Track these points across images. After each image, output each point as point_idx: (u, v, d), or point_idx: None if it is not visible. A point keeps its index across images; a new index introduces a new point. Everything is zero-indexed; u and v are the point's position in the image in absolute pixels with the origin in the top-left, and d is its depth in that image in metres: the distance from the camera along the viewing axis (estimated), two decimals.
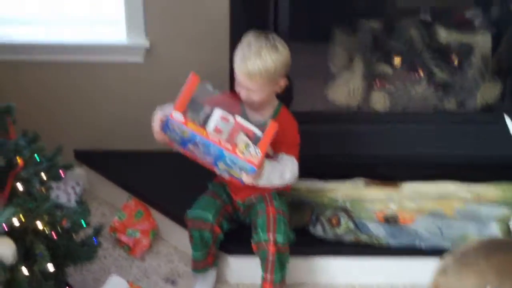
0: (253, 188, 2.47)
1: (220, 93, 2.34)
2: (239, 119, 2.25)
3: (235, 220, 2.63)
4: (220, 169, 2.28)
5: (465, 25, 3.08)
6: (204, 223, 2.46)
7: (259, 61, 2.27)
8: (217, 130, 2.20)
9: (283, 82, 2.38)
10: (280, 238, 2.39)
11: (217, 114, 2.23)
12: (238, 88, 2.36)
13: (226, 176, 2.31)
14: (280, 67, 2.32)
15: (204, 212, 2.47)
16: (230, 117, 2.24)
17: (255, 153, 2.17)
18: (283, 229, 2.41)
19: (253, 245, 2.46)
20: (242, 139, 2.20)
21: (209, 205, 2.50)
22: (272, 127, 2.24)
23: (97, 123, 3.08)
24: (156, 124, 2.25)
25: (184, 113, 2.17)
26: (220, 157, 2.20)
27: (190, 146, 2.22)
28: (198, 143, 2.19)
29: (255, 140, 2.21)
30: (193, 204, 2.52)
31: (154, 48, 2.88)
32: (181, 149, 2.28)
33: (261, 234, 2.41)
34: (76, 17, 2.98)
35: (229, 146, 2.17)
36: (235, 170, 2.24)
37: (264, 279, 2.45)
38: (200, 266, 2.58)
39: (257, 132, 2.23)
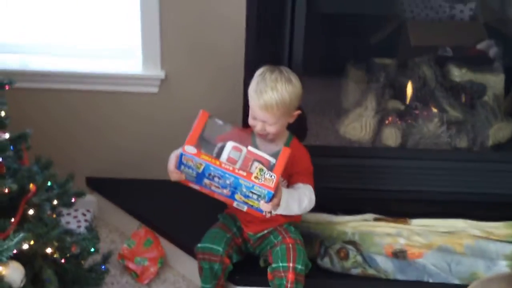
0: (266, 222, 2.51)
1: (231, 128, 2.37)
2: (251, 148, 2.28)
3: (244, 251, 2.64)
4: (238, 202, 2.29)
5: (478, 62, 3.09)
6: (214, 255, 2.47)
7: (275, 94, 2.31)
8: (231, 160, 2.22)
9: (296, 113, 2.42)
10: (299, 266, 2.40)
11: (230, 145, 2.27)
12: (252, 122, 2.39)
13: (244, 208, 2.31)
14: (294, 99, 2.37)
15: (213, 244, 2.48)
16: (243, 148, 2.27)
17: (269, 177, 2.19)
18: (302, 258, 2.43)
19: (269, 274, 2.47)
20: (255, 166, 2.22)
21: (219, 237, 2.51)
22: (285, 152, 2.26)
23: (110, 151, 3.11)
24: (171, 164, 2.29)
25: (196, 146, 2.20)
26: (236, 186, 2.21)
27: (206, 181, 2.25)
28: (213, 175, 2.21)
29: (269, 167, 2.23)
30: (203, 236, 2.53)
31: (169, 79, 2.92)
32: (198, 187, 2.30)
33: (280, 263, 2.42)
34: (94, 47, 3.04)
35: (243, 173, 2.19)
36: (252, 200, 2.24)
37: None
38: None
39: (270, 159, 2.25)
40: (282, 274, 2.41)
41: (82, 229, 2.39)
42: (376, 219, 2.87)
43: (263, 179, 2.18)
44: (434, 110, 3.07)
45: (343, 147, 3.08)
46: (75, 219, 3.08)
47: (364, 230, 2.79)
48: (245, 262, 2.64)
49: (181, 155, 2.20)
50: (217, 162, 2.19)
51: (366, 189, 2.98)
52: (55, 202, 2.16)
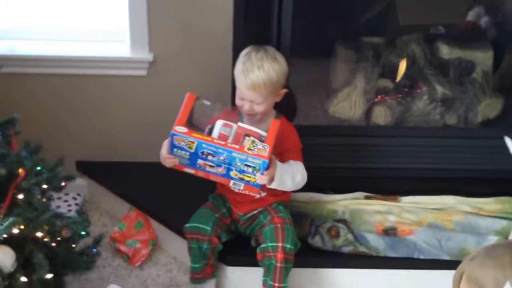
0: (255, 202, 2.53)
1: (220, 107, 2.38)
2: (241, 124, 2.30)
3: (234, 231, 2.65)
4: (235, 180, 2.28)
5: (467, 39, 3.09)
6: (202, 235, 2.49)
7: (262, 72, 2.31)
8: (222, 136, 2.24)
9: (282, 92, 2.42)
10: (288, 246, 2.42)
11: (219, 123, 2.28)
12: (240, 102, 2.39)
13: (241, 186, 2.30)
14: (281, 77, 2.37)
15: (201, 224, 2.50)
16: (233, 124, 2.28)
17: (263, 147, 2.20)
18: (291, 237, 2.44)
19: (259, 254, 2.48)
20: (247, 139, 2.23)
21: (207, 217, 2.52)
22: (275, 124, 2.29)
23: (99, 135, 3.11)
24: (163, 150, 2.29)
25: (186, 126, 2.21)
26: (230, 162, 2.21)
27: (200, 162, 2.24)
28: (206, 153, 2.21)
29: (260, 139, 2.24)
30: (191, 216, 2.55)
31: (158, 62, 2.92)
32: (192, 171, 2.30)
33: (269, 243, 2.43)
34: (81, 31, 3.03)
35: (236, 146, 2.19)
36: (248, 174, 2.24)
37: None
38: (198, 277, 2.60)
39: (261, 132, 2.27)
40: (272, 254, 2.42)
41: (73, 213, 2.40)
42: (366, 197, 2.89)
43: (256, 150, 2.19)
44: (423, 87, 3.07)
45: (333, 126, 3.08)
46: (65, 203, 3.09)
47: (355, 209, 2.81)
48: (236, 242, 2.65)
49: (172, 135, 2.19)
50: (209, 139, 2.20)
51: (356, 168, 2.98)
52: (44, 186, 2.17)
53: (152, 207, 2.92)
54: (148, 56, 2.90)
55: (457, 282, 2.14)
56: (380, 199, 2.88)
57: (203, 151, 2.21)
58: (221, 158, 2.21)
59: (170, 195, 2.91)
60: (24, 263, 2.05)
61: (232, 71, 2.44)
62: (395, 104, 3.05)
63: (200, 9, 2.82)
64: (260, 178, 2.24)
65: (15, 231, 1.97)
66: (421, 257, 2.66)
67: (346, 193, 2.89)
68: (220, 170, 2.26)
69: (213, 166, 2.25)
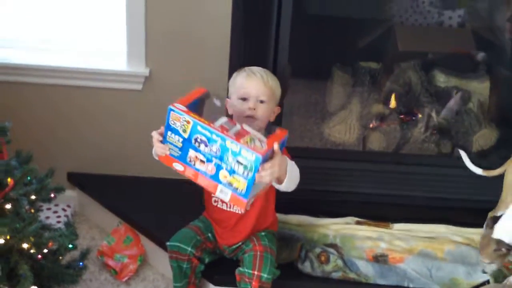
0: (239, 233, 2.51)
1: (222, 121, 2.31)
2: (246, 126, 2.20)
3: (218, 254, 2.63)
4: (222, 185, 2.13)
5: (464, 68, 3.10)
6: (181, 254, 2.47)
7: (267, 73, 2.39)
8: (222, 127, 2.12)
9: (277, 109, 2.43)
10: (264, 275, 2.39)
11: (224, 118, 2.21)
12: (242, 105, 2.34)
13: (227, 195, 2.14)
14: (279, 90, 2.41)
15: (182, 243, 2.48)
16: (238, 124, 2.20)
17: (260, 146, 2.07)
18: (268, 267, 2.41)
19: (237, 275, 2.46)
20: (247, 137, 2.12)
21: (188, 237, 2.50)
22: (283, 132, 2.18)
23: (92, 147, 3.10)
24: (156, 136, 2.19)
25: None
26: (222, 155, 2.09)
27: (191, 154, 2.14)
28: (199, 141, 2.11)
29: (261, 144, 2.12)
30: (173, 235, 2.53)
31: (154, 77, 2.92)
32: (181, 166, 2.18)
33: (246, 269, 2.41)
34: (79, 43, 3.03)
35: (232, 136, 2.08)
36: (238, 176, 2.09)
37: None
38: None
39: (263, 138, 2.14)
40: (247, 280, 2.40)
41: (62, 225, 2.37)
42: (358, 223, 2.88)
43: (252, 146, 2.06)
44: (419, 115, 3.07)
45: (327, 149, 3.08)
46: (55, 214, 3.07)
47: (346, 233, 2.79)
48: (223, 262, 2.63)
49: (170, 110, 2.12)
50: (206, 122, 2.09)
51: (349, 192, 2.98)
52: (33, 197, 2.15)
53: (142, 222, 2.89)
54: (144, 70, 2.90)
55: None
56: (371, 225, 2.87)
57: (197, 137, 2.11)
58: (213, 149, 2.10)
59: (161, 211, 2.89)
60: (9, 274, 2.03)
61: (227, 89, 2.44)
62: (390, 130, 3.05)
63: (197, 25, 2.83)
64: (260, 176, 2.05)
65: (1, 241, 1.94)
66: (411, 285, 2.64)
67: (337, 217, 2.88)
68: (210, 168, 2.13)
69: (203, 162, 2.14)
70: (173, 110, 2.12)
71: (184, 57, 2.88)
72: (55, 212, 3.08)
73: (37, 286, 2.09)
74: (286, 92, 2.61)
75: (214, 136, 2.08)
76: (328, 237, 2.78)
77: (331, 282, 2.67)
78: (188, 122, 2.11)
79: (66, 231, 2.24)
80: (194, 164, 2.15)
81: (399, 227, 2.86)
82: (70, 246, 2.25)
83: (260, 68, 2.41)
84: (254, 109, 2.34)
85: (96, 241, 3.01)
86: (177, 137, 2.15)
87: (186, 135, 2.13)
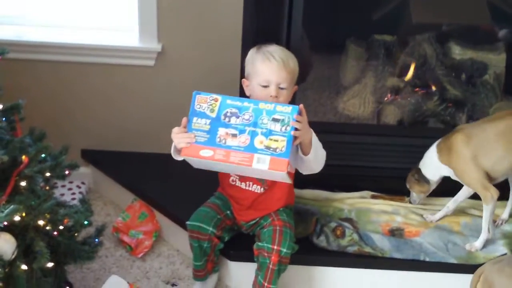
0: (258, 210, 2.51)
1: None
2: None
3: (236, 230, 2.63)
4: (259, 153, 2.10)
5: (480, 40, 3.06)
6: (202, 234, 2.46)
7: (286, 52, 2.33)
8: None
9: (295, 88, 2.39)
10: (284, 250, 2.39)
11: None
12: (263, 91, 2.30)
13: (266, 163, 2.10)
14: (297, 68, 2.36)
15: (203, 223, 2.46)
16: None
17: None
18: (288, 242, 2.41)
19: (255, 250, 2.46)
20: None
21: (208, 217, 2.49)
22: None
23: (106, 124, 3.10)
24: (177, 130, 2.17)
25: None
26: (256, 121, 2.10)
27: (221, 132, 2.12)
28: (230, 114, 2.12)
29: None
30: (193, 214, 2.52)
31: (166, 52, 2.91)
32: (210, 151, 2.13)
33: (265, 243, 2.41)
34: (90, 19, 3.03)
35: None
36: (276, 137, 2.10)
37: (261, 286, 2.45)
38: (201, 275, 2.58)
39: None
40: (266, 254, 2.40)
41: (76, 202, 2.37)
42: (373, 197, 2.88)
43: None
44: (434, 88, 3.04)
45: (342, 123, 3.06)
46: (69, 191, 3.08)
47: (361, 207, 2.79)
48: (239, 238, 2.63)
49: (195, 94, 2.15)
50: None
51: (364, 166, 2.97)
52: (47, 174, 2.15)
53: (156, 198, 2.90)
54: (156, 46, 2.88)
55: (475, 281, 2.20)
56: (387, 199, 2.86)
57: (226, 112, 2.12)
58: (246, 117, 2.12)
59: (175, 187, 2.89)
60: (25, 251, 2.03)
61: (242, 63, 2.42)
62: (405, 104, 3.02)
63: (210, 0, 2.80)
64: (295, 123, 2.09)
65: (17, 218, 1.95)
66: (427, 259, 2.63)
67: (353, 191, 2.87)
68: (243, 139, 2.12)
69: (235, 136, 2.12)
70: (198, 93, 2.15)
71: (196, 32, 2.86)
72: (70, 189, 3.09)
73: (53, 263, 2.10)
74: (307, 68, 2.58)
75: (245, 104, 2.13)
76: (343, 211, 2.78)
77: (347, 256, 2.66)
78: (216, 100, 2.14)
79: (81, 208, 2.25)
80: (225, 143, 2.13)
81: None
82: (86, 222, 2.25)
83: (277, 47, 2.34)
84: (276, 96, 2.30)
85: (111, 217, 3.03)
86: (203, 120, 2.15)
87: (214, 114, 2.14)
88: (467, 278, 2.32)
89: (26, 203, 1.99)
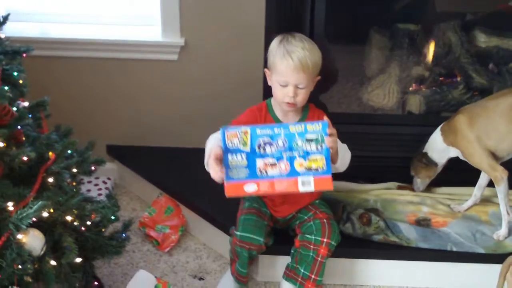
0: (293, 204, 2.51)
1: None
2: None
3: (273, 227, 2.60)
4: (302, 176, 2.11)
5: (506, 27, 3.02)
6: (253, 245, 2.42)
7: (307, 52, 2.25)
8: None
9: (317, 79, 2.36)
10: (333, 242, 2.41)
11: None
12: (282, 91, 2.29)
13: (311, 185, 2.10)
14: (320, 61, 2.32)
15: (254, 234, 2.41)
16: None
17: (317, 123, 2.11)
18: (336, 234, 2.43)
19: (298, 241, 2.47)
20: None
21: (258, 226, 2.43)
22: (321, 114, 2.23)
23: (130, 119, 3.11)
24: (212, 161, 2.12)
25: None
26: (290, 145, 2.09)
27: (260, 163, 2.10)
28: (263, 144, 2.09)
29: None
30: (240, 223, 2.45)
31: (189, 47, 2.91)
32: (254, 184, 2.11)
33: (314, 236, 2.41)
34: (113, 15, 3.04)
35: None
36: (314, 156, 2.09)
37: (307, 278, 2.44)
38: (244, 281, 2.56)
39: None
40: (312, 246, 2.40)
41: (103, 197, 2.38)
42: (399, 187, 2.86)
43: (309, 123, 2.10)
44: (459, 77, 3.01)
45: (366, 114, 3.05)
46: (96, 187, 3.10)
47: (387, 198, 2.78)
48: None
49: (223, 130, 2.08)
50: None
51: (389, 157, 2.95)
52: (74, 170, 2.16)
53: (182, 193, 2.90)
54: (179, 40, 2.88)
55: (504, 271, 2.20)
56: (413, 190, 2.83)
57: (259, 142, 2.09)
58: (280, 143, 2.09)
59: (201, 182, 2.84)
60: (54, 247, 2.05)
61: (264, 57, 2.41)
62: (430, 93, 3.00)
63: None
64: (328, 141, 2.09)
65: (45, 214, 1.96)
66: (454, 249, 2.61)
67: (378, 182, 2.86)
68: (283, 166, 2.11)
69: (274, 165, 2.11)
70: (227, 129, 2.09)
71: (219, 25, 2.86)
72: (96, 185, 3.11)
73: (82, 258, 2.11)
74: (328, 59, 2.56)
75: (276, 130, 2.09)
76: (368, 202, 2.77)
77: (372, 245, 2.64)
78: (245, 133, 2.09)
79: (108, 203, 2.26)
80: (267, 173, 2.11)
81: (441, 191, 2.84)
82: (113, 217, 2.26)
83: (299, 41, 2.28)
84: (294, 97, 2.28)
85: (137, 212, 3.04)
86: (239, 155, 2.10)
87: (248, 148, 2.10)
88: (496, 268, 2.30)
89: (53, 199, 2.00)
